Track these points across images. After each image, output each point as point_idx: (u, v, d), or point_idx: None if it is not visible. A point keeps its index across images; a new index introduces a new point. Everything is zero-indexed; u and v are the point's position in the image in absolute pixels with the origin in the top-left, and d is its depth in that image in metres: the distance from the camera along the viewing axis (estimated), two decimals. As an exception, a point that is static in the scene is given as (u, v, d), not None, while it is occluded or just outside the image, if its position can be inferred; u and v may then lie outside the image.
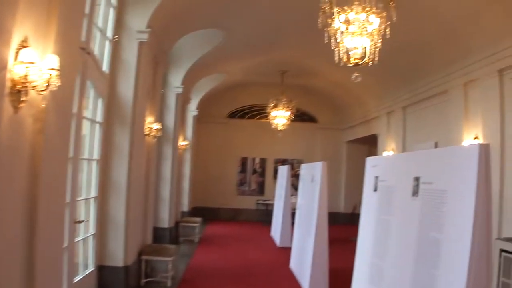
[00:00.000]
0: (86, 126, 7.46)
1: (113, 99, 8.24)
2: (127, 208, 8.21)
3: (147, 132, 9.75)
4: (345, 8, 7.23)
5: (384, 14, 7.23)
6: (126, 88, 8.36)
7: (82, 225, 7.23)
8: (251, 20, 11.83)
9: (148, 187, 10.34)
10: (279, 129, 17.87)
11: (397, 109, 15.59)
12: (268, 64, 16.85)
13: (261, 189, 22.82)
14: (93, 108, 7.73)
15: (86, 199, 7.55)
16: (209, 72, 16.89)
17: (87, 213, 7.61)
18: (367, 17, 7.16)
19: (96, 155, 7.79)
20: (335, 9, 7.21)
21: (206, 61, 14.34)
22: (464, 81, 11.02)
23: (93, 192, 7.74)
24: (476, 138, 10.22)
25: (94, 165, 7.76)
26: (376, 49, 7.29)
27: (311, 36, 12.56)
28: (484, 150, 3.96)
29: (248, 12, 11.26)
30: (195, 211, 20.49)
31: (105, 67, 8.09)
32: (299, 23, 11.86)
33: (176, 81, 13.87)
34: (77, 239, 7.10)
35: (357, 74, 7.35)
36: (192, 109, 19.19)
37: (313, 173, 10.83)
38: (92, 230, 7.75)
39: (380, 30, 7.29)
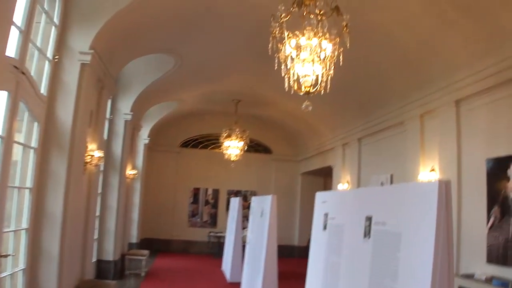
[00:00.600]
0: (18, 151, 6.95)
1: (50, 123, 7.75)
2: (62, 240, 7.65)
3: (88, 160, 9.23)
4: (296, 32, 7.01)
5: (337, 40, 7.05)
6: (66, 112, 7.89)
7: (10, 258, 6.67)
8: (204, 46, 11.57)
9: (89, 218, 9.77)
10: (232, 159, 17.54)
11: (353, 141, 15.50)
12: (222, 93, 16.62)
13: (213, 221, 22.34)
14: (27, 132, 7.23)
15: (15, 230, 6.99)
16: (161, 99, 16.50)
17: (17, 246, 7.04)
18: (320, 42, 6.95)
19: (29, 183, 7.26)
20: (286, 34, 6.99)
21: (158, 88, 13.97)
22: (420, 112, 10.97)
23: (24, 223, 7.18)
24: (432, 170, 10.12)
25: (26, 194, 7.22)
26: (329, 77, 7.09)
27: (265, 65, 12.33)
28: (444, 187, 3.50)
29: (201, 38, 11.01)
30: (144, 243, 19.84)
31: (43, 89, 7.62)
32: (254, 51, 11.67)
33: (125, 107, 13.41)
34: (3, 274, 6.52)
35: (308, 103, 7.07)
36: (143, 137, 18.70)
37: (263, 207, 10.50)
38: (22, 264, 7.16)
39: (333, 57, 7.11)
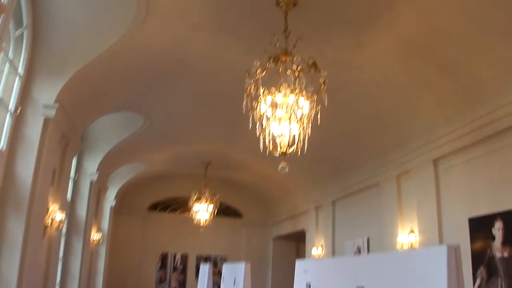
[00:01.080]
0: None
1: (8, 181, 7.27)
2: (17, 312, 7.00)
3: (49, 222, 8.66)
4: (272, 89, 6.77)
5: (315, 97, 6.82)
6: (26, 168, 7.44)
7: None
8: (174, 105, 11.33)
9: (48, 286, 9.09)
10: (201, 224, 16.97)
11: (326, 203, 15.20)
12: (192, 154, 16.25)
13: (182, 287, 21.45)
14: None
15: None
16: (129, 160, 16.03)
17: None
18: (297, 100, 6.71)
19: (-20, 246, 6.69)
20: (261, 90, 6.74)
21: (126, 148, 13.57)
22: (397, 172, 10.81)
23: (-27, 291, 6.56)
24: (411, 232, 9.83)
25: (-24, 258, 6.63)
26: (306, 137, 6.83)
27: (237, 125, 12.26)
28: (454, 254, 2.98)
29: (170, 97, 10.78)
30: (109, 311, 18.82)
31: (2, 142, 7.17)
32: (225, 111, 11.46)
33: (91, 166, 12.93)
34: None
35: (284, 165, 6.76)
36: (110, 199, 18.03)
37: (235, 276, 9.91)
38: None
39: (310, 115, 6.87)
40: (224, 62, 9.26)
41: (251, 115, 6.89)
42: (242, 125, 11.81)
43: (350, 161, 12.71)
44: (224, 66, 9.39)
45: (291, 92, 6.71)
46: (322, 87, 6.85)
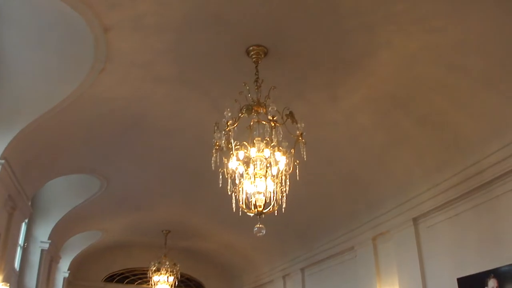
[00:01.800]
0: None
1: None
2: None
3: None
4: (245, 143, 6.09)
5: (293, 151, 6.17)
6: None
7: None
8: (131, 168, 10.52)
9: None
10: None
11: (295, 271, 14.28)
12: (151, 222, 15.30)
13: None
14: None
15: None
16: (84, 227, 14.89)
17: None
18: (272, 154, 6.02)
19: None
20: (233, 144, 6.04)
21: (81, 214, 12.57)
22: (373, 234, 10.14)
23: None
24: (393, 296, 9.05)
25: None
26: (284, 194, 6.13)
27: (199, 190, 11.45)
28: None
29: (129, 158, 10.02)
30: None
31: None
32: (186, 174, 10.76)
33: (42, 234, 11.97)
34: None
35: (260, 226, 6.02)
36: (63, 270, 16.72)
37: None
38: None
39: (287, 171, 6.18)
40: (187, 120, 8.65)
41: (221, 172, 6.19)
42: (204, 189, 11.13)
43: (321, 224, 11.93)
44: (187, 124, 8.79)
45: (266, 146, 6.04)
46: (300, 139, 6.22)
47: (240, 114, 6.15)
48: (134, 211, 13.72)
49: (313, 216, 11.78)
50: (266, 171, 6.00)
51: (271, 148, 5.99)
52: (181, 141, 9.33)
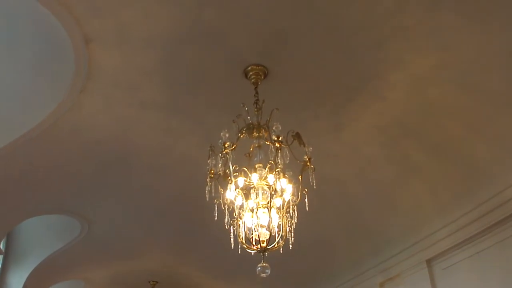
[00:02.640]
0: None
1: None
2: None
3: None
4: (245, 169, 5.20)
5: (300, 178, 5.28)
6: None
7: None
8: (115, 211, 9.38)
9: None
10: None
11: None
12: (136, 272, 13.86)
13: None
14: None
15: None
16: (64, 275, 13.49)
17: None
18: (278, 180, 5.09)
19: None
20: (231, 168, 5.12)
21: (60, 261, 11.33)
22: (381, 279, 9.13)
23: None
24: None
25: None
26: (292, 228, 5.22)
27: (189, 237, 10.31)
28: None
29: (110, 200, 8.91)
30: None
31: None
32: (175, 218, 9.74)
33: (16, 283, 10.74)
34: None
35: (264, 265, 5.05)
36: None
37: None
38: None
39: (294, 201, 5.26)
40: (178, 155, 7.70)
41: (217, 203, 5.29)
42: (196, 235, 9.97)
43: (321, 271, 10.78)
44: (178, 161, 7.82)
45: (270, 171, 5.14)
46: (308, 165, 5.33)
47: (239, 135, 5.27)
48: (118, 258, 12.43)
49: (313, 263, 10.63)
50: (270, 201, 5.06)
51: (276, 174, 5.07)
52: (171, 180, 8.32)
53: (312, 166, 5.33)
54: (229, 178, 5.14)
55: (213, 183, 5.32)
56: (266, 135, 5.45)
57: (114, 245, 11.09)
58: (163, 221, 9.87)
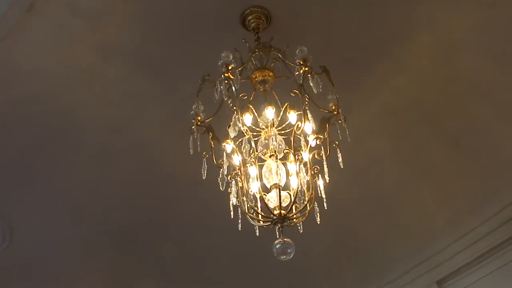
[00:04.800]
0: None
1: None
2: None
3: None
4: (251, 106, 3.43)
5: (327, 127, 3.51)
6: None
7: None
8: (42, 216, 6.13)
9: None
10: None
11: None
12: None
13: None
14: None
15: None
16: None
17: None
18: (304, 121, 3.30)
19: None
20: (236, 99, 3.33)
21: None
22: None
23: None
24: None
25: None
26: (320, 194, 3.42)
27: (140, 260, 7.24)
28: None
29: (38, 200, 5.95)
30: None
31: None
32: (121, 233, 6.83)
33: None
34: None
35: (286, 241, 3.09)
36: None
37: None
38: None
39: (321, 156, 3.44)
40: (136, 134, 5.49)
41: (205, 157, 3.49)
42: (149, 257, 7.07)
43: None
44: (138, 142, 5.57)
45: (290, 108, 3.35)
46: (335, 111, 3.58)
47: (251, 54, 3.48)
48: (43, 283, 8.84)
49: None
50: (293, 151, 3.23)
51: (303, 111, 3.29)
52: (123, 172, 5.88)
53: (342, 116, 3.55)
54: (234, 108, 3.26)
55: (197, 134, 3.47)
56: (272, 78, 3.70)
57: (37, 264, 7.44)
58: (105, 237, 6.80)
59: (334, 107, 3.60)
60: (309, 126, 3.37)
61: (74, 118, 5.12)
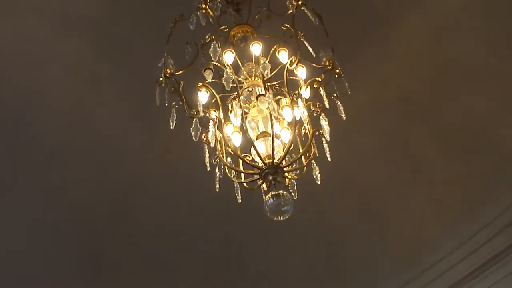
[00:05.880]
0: None
1: None
2: None
3: None
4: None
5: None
6: None
7: None
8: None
9: None
10: None
11: None
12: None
13: None
14: None
15: None
16: None
17: None
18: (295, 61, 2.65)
19: None
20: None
21: None
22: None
23: None
24: None
25: None
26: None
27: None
28: None
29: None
30: None
31: None
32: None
33: None
34: None
35: (280, 193, 2.32)
36: None
37: None
38: None
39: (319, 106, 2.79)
40: (97, 128, 4.63)
41: (174, 108, 2.89)
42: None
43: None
44: (97, 137, 4.69)
45: (280, 47, 2.71)
46: (331, 68, 2.92)
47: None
48: None
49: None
50: (287, 91, 2.57)
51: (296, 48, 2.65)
52: (84, 173, 4.91)
53: (337, 69, 2.89)
54: (213, 38, 2.57)
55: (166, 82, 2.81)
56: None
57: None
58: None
59: (328, 62, 2.96)
60: (302, 71, 2.72)
61: (26, 107, 4.30)
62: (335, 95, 2.85)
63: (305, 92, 2.68)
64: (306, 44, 2.86)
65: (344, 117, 2.81)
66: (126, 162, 4.68)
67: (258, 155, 2.47)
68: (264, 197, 2.41)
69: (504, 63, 4.29)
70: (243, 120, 2.46)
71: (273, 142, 2.42)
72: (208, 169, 2.66)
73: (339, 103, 2.82)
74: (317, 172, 2.72)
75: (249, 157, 2.55)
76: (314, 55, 2.92)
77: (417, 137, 4.85)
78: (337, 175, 4.97)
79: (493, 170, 4.74)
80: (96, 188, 4.84)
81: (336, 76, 2.94)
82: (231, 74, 2.55)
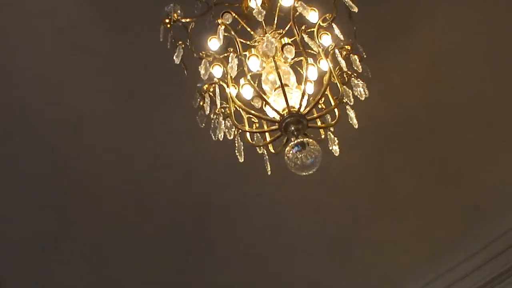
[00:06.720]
0: None
1: None
2: None
3: None
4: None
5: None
6: None
7: None
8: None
9: None
10: None
11: None
12: None
13: None
14: None
15: None
16: None
17: None
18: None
19: None
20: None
21: None
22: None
23: None
24: None
25: None
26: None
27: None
28: None
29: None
30: None
31: None
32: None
33: None
34: None
35: (306, 141, 1.95)
36: None
37: None
38: None
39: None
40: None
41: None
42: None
43: None
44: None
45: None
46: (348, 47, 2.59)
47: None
48: None
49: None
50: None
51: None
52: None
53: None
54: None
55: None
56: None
57: None
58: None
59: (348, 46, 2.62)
60: (314, 15, 2.38)
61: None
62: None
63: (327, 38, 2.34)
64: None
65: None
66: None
67: (274, 109, 2.12)
68: (285, 150, 2.03)
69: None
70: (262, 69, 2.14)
71: (305, 84, 2.06)
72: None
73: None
74: (353, 116, 2.33)
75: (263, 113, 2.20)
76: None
77: (406, 160, 4.50)
78: (324, 199, 4.61)
79: (478, 202, 4.45)
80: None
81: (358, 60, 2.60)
82: (260, 7, 2.20)
